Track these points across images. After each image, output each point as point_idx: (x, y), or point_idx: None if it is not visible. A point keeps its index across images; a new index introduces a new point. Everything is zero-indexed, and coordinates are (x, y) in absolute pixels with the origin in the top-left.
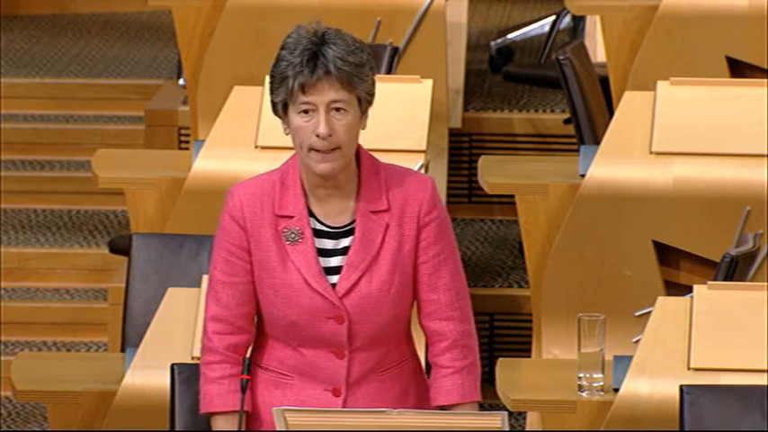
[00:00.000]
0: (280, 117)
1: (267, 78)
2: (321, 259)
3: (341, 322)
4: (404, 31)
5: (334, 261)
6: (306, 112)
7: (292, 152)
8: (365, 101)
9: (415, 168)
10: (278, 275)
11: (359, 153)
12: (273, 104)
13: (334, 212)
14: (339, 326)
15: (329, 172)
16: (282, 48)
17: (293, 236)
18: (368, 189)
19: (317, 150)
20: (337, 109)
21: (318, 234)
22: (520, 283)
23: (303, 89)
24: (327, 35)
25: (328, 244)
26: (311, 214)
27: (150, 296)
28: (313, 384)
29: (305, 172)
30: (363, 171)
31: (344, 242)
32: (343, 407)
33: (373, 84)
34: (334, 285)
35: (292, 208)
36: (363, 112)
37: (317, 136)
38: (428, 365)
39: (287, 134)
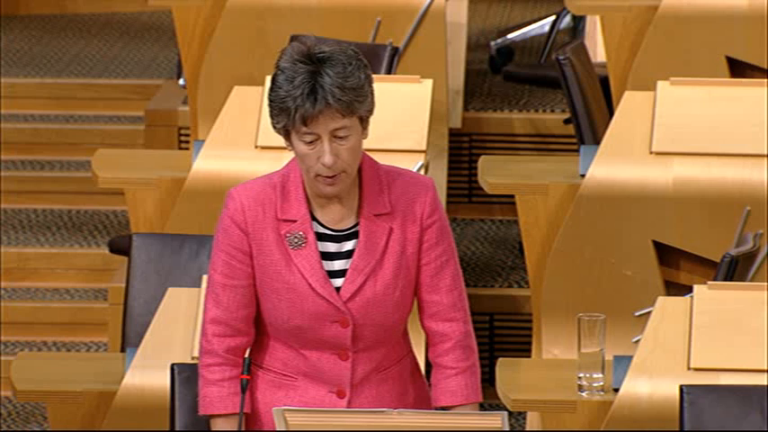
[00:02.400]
0: (281, 135)
1: (266, 92)
2: (324, 263)
3: (345, 326)
4: (404, 31)
5: (337, 264)
6: (310, 141)
7: (293, 154)
8: (366, 118)
9: (415, 168)
10: (282, 280)
11: None
12: (274, 127)
13: (337, 216)
14: (344, 329)
15: (336, 194)
16: (279, 71)
17: (296, 240)
18: (370, 192)
19: (323, 176)
20: (340, 136)
21: (321, 238)
22: (520, 283)
23: (305, 121)
24: (322, 57)
25: (331, 247)
26: (313, 218)
27: (150, 296)
28: (317, 386)
29: (307, 181)
30: (365, 175)
31: (348, 245)
32: (348, 408)
33: (373, 97)
34: (338, 289)
35: (295, 212)
36: (365, 128)
37: (323, 164)
38: (428, 365)
39: (289, 150)
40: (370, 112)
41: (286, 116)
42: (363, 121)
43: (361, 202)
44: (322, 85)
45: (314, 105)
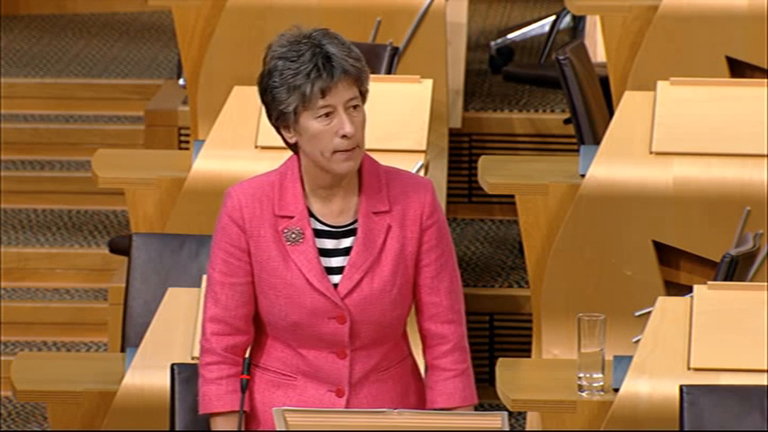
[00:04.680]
0: (282, 128)
1: (260, 86)
2: (322, 259)
3: (343, 322)
4: (404, 31)
5: (335, 261)
6: (326, 115)
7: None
8: (365, 95)
9: (415, 168)
10: (279, 276)
11: None
12: (280, 114)
13: (335, 212)
14: (341, 326)
15: (352, 169)
16: (276, 58)
17: (294, 236)
18: (369, 190)
19: (341, 151)
20: (353, 106)
21: (319, 234)
22: (520, 283)
23: (323, 93)
24: (320, 37)
25: (329, 244)
26: (311, 214)
27: (150, 296)
28: (316, 385)
29: (309, 173)
30: (364, 172)
31: (345, 242)
32: (347, 407)
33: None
34: (335, 286)
35: (292, 208)
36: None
37: (343, 136)
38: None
39: (292, 142)
40: (368, 90)
41: (299, 95)
42: (364, 99)
43: (360, 199)
44: (334, 55)
45: (332, 75)
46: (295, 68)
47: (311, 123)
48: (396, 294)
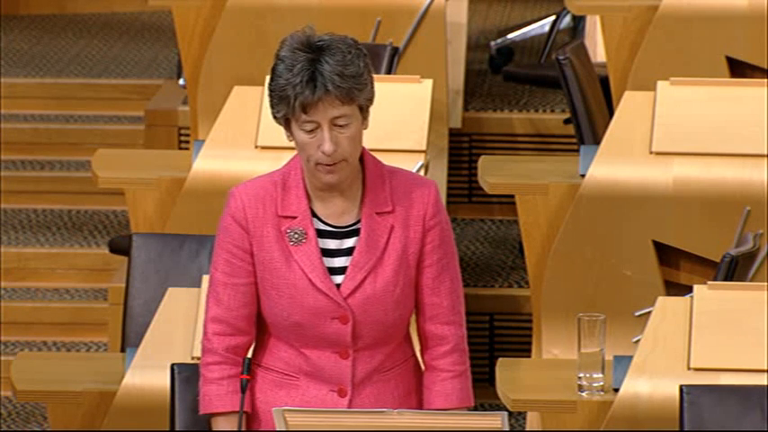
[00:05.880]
0: (281, 125)
1: (266, 83)
2: (325, 259)
3: (345, 322)
4: (404, 31)
5: (338, 261)
6: (311, 129)
7: (293, 152)
8: (366, 106)
9: (415, 168)
10: (282, 276)
11: (363, 154)
12: (274, 117)
13: (338, 212)
14: (343, 326)
15: (336, 183)
16: (279, 60)
17: (297, 236)
18: (372, 190)
19: (323, 164)
20: (340, 124)
21: (322, 234)
22: (520, 283)
23: (304, 109)
24: (322, 45)
25: (332, 244)
26: (314, 215)
27: (150, 296)
28: (318, 385)
29: (309, 174)
30: (368, 173)
31: (348, 242)
32: (349, 407)
33: (372, 86)
34: (338, 285)
35: (295, 208)
36: (365, 117)
37: (323, 152)
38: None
39: (290, 141)
40: (370, 101)
41: (286, 104)
42: (363, 111)
43: (363, 198)
44: (321, 73)
45: (313, 92)
46: (286, 79)
47: (298, 133)
48: (398, 295)
